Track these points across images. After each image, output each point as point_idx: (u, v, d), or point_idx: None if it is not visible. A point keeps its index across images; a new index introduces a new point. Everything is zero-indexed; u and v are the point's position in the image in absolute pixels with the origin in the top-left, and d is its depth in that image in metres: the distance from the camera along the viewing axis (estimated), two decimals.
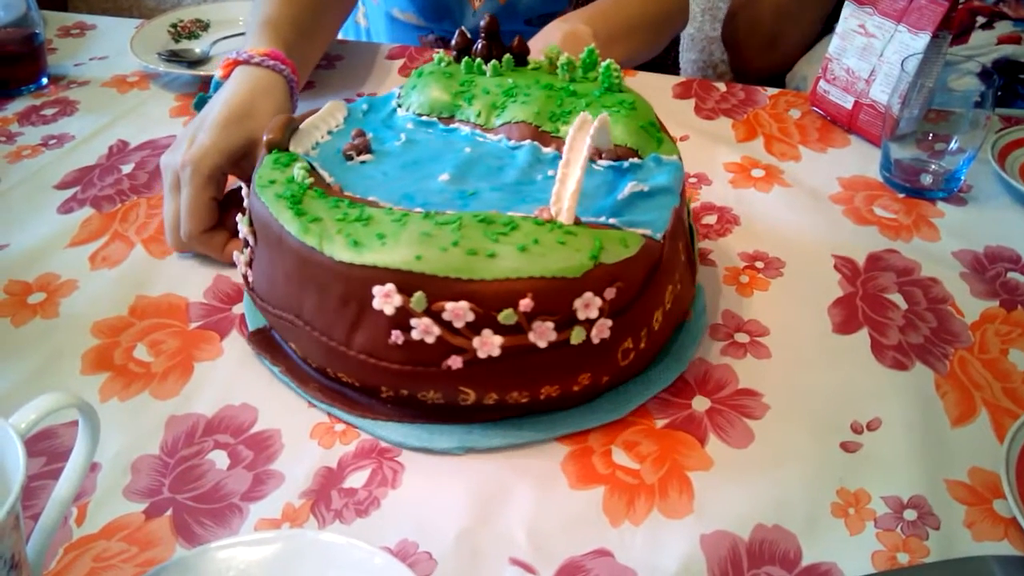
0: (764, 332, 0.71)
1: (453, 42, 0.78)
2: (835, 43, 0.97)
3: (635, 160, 0.69)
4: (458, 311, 0.55)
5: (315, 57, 1.00)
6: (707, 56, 1.83)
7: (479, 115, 0.74)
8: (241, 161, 0.78)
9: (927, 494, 0.58)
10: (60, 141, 0.97)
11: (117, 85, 1.08)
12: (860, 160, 0.93)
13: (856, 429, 0.63)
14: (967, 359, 0.69)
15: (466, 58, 0.77)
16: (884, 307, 0.73)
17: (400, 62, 1.12)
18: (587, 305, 0.57)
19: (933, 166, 0.88)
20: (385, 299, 0.56)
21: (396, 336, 0.57)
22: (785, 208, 0.85)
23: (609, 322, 0.58)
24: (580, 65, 0.76)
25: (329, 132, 0.74)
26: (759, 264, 0.78)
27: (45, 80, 1.08)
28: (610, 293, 0.58)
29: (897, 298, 0.74)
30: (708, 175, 0.90)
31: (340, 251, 0.58)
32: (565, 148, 0.61)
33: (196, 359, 0.69)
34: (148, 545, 0.56)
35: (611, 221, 0.62)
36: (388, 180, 0.68)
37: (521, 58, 0.78)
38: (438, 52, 0.78)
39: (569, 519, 0.57)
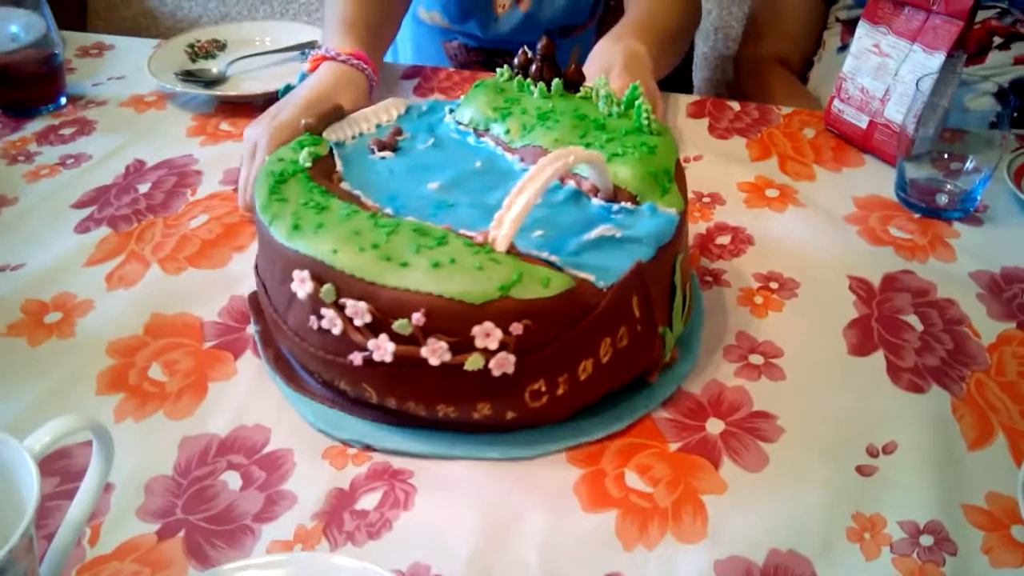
0: (778, 353, 0.71)
1: (516, 60, 0.79)
2: (849, 62, 0.97)
3: (628, 205, 0.67)
4: (358, 309, 0.57)
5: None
6: (720, 74, 1.82)
7: (507, 133, 0.74)
8: None
9: (944, 519, 0.58)
10: (77, 161, 0.98)
11: (134, 105, 1.09)
12: (875, 180, 0.93)
13: (872, 452, 0.62)
14: (984, 382, 0.68)
15: (518, 77, 0.78)
16: (900, 329, 0.73)
17: (415, 82, 1.12)
18: (487, 335, 0.56)
19: (949, 186, 0.87)
20: (300, 284, 0.60)
21: (313, 321, 0.61)
22: (800, 228, 0.85)
23: (512, 358, 0.57)
24: (623, 101, 0.74)
25: (377, 125, 0.79)
26: (773, 285, 0.78)
27: (63, 100, 1.09)
28: (516, 328, 0.56)
29: (913, 319, 0.74)
30: (722, 195, 0.90)
31: (280, 231, 0.62)
32: (526, 175, 0.60)
33: (210, 379, 0.69)
34: (160, 567, 0.56)
35: (552, 258, 0.61)
36: (389, 178, 0.71)
37: (572, 85, 0.77)
38: (502, 68, 0.80)
39: (581, 542, 0.57)
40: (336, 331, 0.59)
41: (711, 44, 1.83)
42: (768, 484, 0.60)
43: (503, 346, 0.57)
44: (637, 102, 0.71)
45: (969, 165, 0.85)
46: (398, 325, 0.57)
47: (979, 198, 0.87)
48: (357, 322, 0.58)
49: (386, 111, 0.80)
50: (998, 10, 1.16)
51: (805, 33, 1.37)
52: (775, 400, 0.67)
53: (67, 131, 1.03)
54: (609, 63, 0.94)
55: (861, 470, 0.61)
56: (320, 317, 0.60)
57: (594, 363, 0.61)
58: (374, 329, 0.58)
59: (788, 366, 0.70)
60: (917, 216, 0.87)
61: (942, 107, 0.84)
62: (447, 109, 0.80)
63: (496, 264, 0.57)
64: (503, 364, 0.57)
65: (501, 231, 0.59)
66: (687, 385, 0.68)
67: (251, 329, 0.73)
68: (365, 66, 0.96)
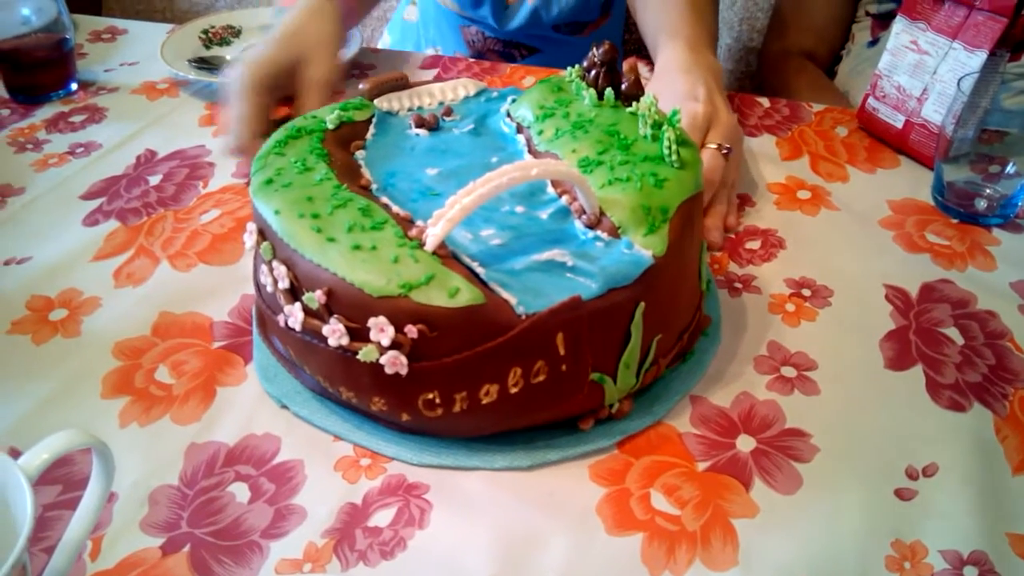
0: (812, 366, 0.68)
1: (586, 61, 0.74)
2: (885, 59, 0.93)
3: (604, 235, 0.61)
4: (280, 273, 0.59)
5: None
6: (744, 66, 1.78)
7: (540, 135, 0.71)
8: (290, 78, 0.87)
9: (988, 549, 0.55)
10: (87, 149, 0.95)
11: (147, 92, 1.06)
12: (911, 182, 0.89)
13: (912, 475, 0.59)
14: None
15: (576, 80, 0.75)
16: (939, 342, 0.70)
17: (434, 72, 1.09)
18: (381, 329, 0.54)
19: (988, 190, 0.84)
20: (249, 236, 0.62)
21: (259, 274, 0.62)
22: (833, 232, 0.82)
23: (405, 360, 0.55)
24: (665, 120, 0.67)
25: (440, 102, 0.79)
26: (806, 292, 0.75)
27: (74, 86, 1.06)
28: (411, 331, 0.54)
29: (953, 332, 0.70)
30: (752, 196, 0.87)
31: (255, 182, 0.64)
32: (480, 178, 0.57)
33: (219, 383, 0.66)
34: None
35: (479, 270, 0.58)
36: (405, 156, 0.71)
37: (627, 98, 0.72)
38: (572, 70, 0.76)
39: (606, 567, 0.54)
40: (269, 289, 0.61)
41: (735, 35, 1.79)
42: (802, 508, 0.57)
43: (396, 345, 0.55)
44: (663, 128, 0.65)
45: (1010, 169, 0.82)
46: (307, 297, 0.57)
47: (1020, 203, 0.84)
48: (280, 285, 0.59)
49: (453, 90, 0.79)
50: None
51: (832, 27, 1.33)
52: (809, 416, 0.63)
53: (77, 118, 1.01)
54: (705, 88, 0.86)
55: (900, 494, 0.58)
56: (261, 272, 0.62)
57: (500, 390, 0.57)
58: (292, 295, 0.59)
59: (822, 380, 0.66)
60: (955, 221, 0.84)
61: (982, 107, 0.81)
62: (510, 100, 0.78)
63: (413, 262, 0.55)
64: (396, 364, 0.55)
65: (434, 229, 0.57)
66: (716, 398, 0.65)
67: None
68: None
